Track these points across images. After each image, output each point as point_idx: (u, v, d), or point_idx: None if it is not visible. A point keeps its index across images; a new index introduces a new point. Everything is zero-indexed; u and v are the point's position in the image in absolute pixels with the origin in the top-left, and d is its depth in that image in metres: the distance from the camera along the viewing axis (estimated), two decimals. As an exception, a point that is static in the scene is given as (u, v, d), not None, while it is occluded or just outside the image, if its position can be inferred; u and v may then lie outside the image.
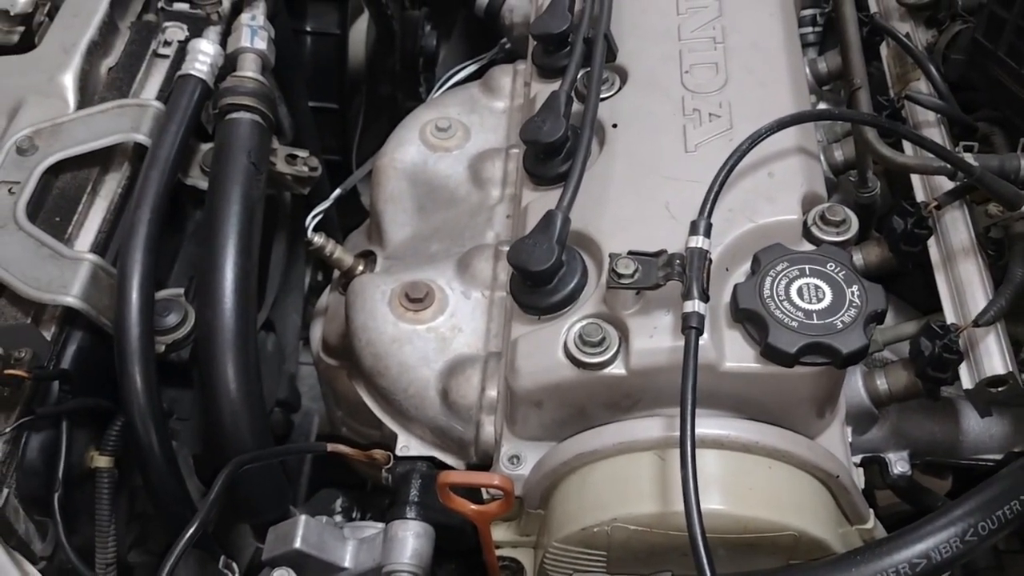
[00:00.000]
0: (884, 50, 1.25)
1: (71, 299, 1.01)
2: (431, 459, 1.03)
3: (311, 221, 1.28)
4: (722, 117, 0.96)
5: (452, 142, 1.28)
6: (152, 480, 1.00)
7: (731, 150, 0.89)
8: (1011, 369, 0.93)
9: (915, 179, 1.08)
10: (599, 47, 1.02)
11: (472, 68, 1.49)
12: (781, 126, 0.88)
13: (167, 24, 1.29)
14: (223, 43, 1.23)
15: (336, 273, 1.29)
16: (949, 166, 0.99)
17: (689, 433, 0.73)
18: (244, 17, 1.24)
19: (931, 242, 1.05)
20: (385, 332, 1.09)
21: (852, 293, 0.82)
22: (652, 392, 0.85)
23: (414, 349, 1.08)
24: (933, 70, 1.14)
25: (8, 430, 0.93)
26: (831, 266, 0.84)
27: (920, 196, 1.08)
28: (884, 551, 0.74)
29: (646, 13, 1.07)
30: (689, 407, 0.74)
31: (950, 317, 0.98)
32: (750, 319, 0.82)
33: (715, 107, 0.97)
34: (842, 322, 0.80)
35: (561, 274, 0.89)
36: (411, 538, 0.93)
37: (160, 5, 1.32)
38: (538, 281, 0.89)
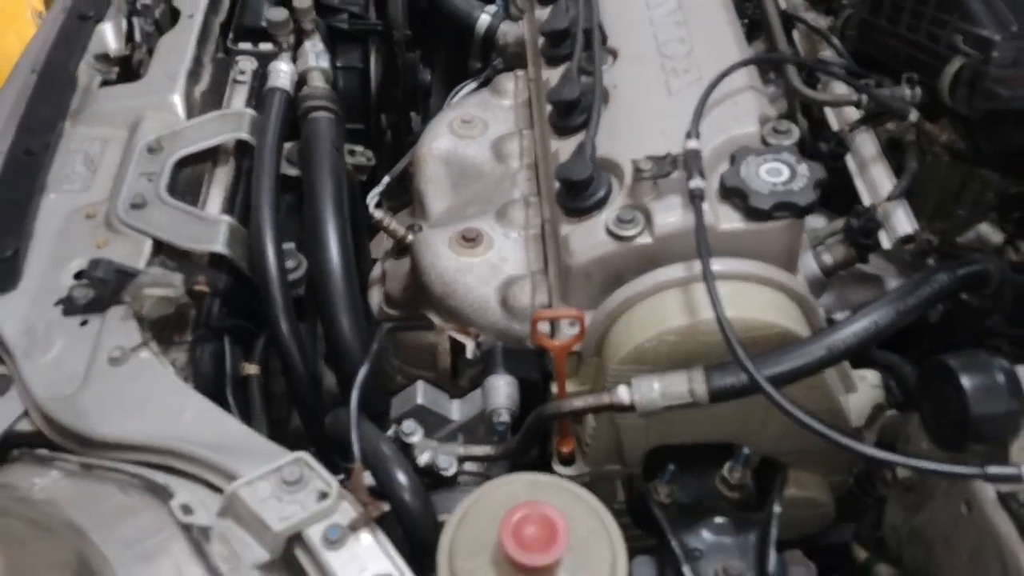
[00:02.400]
0: (796, 35, 1.66)
1: (218, 247, 1.32)
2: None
3: (372, 200, 1.62)
4: (691, 71, 1.34)
5: (475, 131, 1.63)
6: (294, 382, 1.30)
7: (700, 90, 1.27)
8: (916, 229, 1.31)
9: (828, 114, 1.48)
10: (596, 34, 1.40)
11: (472, 85, 1.87)
12: (737, 67, 1.27)
13: (239, 58, 1.64)
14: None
15: (390, 243, 1.62)
16: (856, 97, 1.38)
17: (707, 263, 1.08)
18: (307, 45, 1.60)
19: (848, 158, 1.44)
20: (449, 265, 1.42)
21: (802, 169, 1.18)
22: (670, 254, 1.19)
23: (474, 275, 1.41)
24: (836, 40, 1.55)
25: (190, 340, 1.23)
26: (785, 155, 1.20)
27: (834, 126, 1.48)
28: (845, 325, 1.09)
29: (624, 10, 1.45)
30: (704, 247, 1.10)
31: (868, 203, 1.36)
32: (735, 193, 1.18)
33: (686, 65, 1.35)
34: (798, 187, 1.17)
35: (595, 183, 1.24)
36: (503, 386, 1.25)
37: (228, 45, 1.67)
38: (580, 188, 1.24)
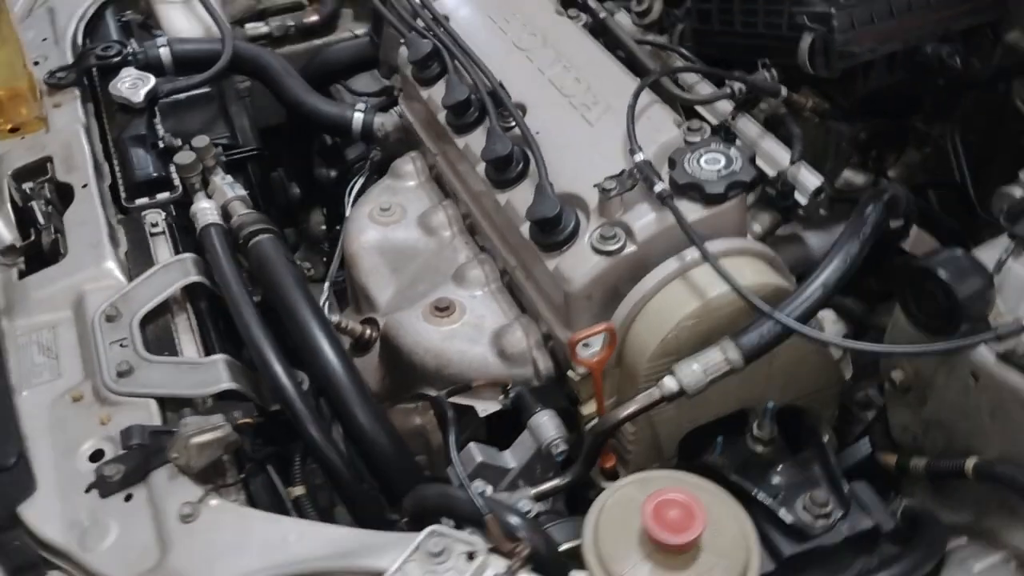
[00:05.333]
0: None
1: (226, 384, 1.31)
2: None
3: (323, 302, 1.65)
4: (598, 102, 1.50)
5: (396, 215, 1.71)
6: (342, 483, 1.30)
7: (615, 116, 1.43)
8: (823, 181, 1.51)
9: (703, 111, 1.67)
10: (503, 93, 1.52)
11: (361, 181, 1.94)
12: (645, 84, 1.44)
13: (144, 213, 1.63)
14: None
15: (348, 343, 1.65)
16: (730, 91, 1.58)
17: (703, 247, 1.22)
18: (218, 180, 1.62)
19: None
20: (435, 337, 1.49)
21: (733, 153, 1.35)
22: (654, 254, 1.32)
23: (461, 339, 1.48)
24: (684, 51, 1.76)
25: (241, 475, 1.21)
26: (713, 145, 1.37)
27: (713, 121, 1.68)
28: (827, 264, 1.26)
29: (513, 70, 1.59)
30: (695, 235, 1.24)
31: (774, 171, 1.56)
32: (690, 188, 1.33)
33: (591, 99, 1.50)
34: (738, 167, 1.33)
35: (564, 216, 1.36)
36: (548, 419, 1.33)
37: (124, 204, 1.66)
38: (553, 224, 1.35)
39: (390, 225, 1.70)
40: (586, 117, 1.48)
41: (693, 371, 1.22)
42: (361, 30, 2.53)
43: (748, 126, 1.61)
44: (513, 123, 1.51)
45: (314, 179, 2.29)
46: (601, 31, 1.75)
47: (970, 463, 1.24)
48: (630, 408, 1.24)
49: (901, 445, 1.41)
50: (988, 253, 1.28)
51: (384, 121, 1.89)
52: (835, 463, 1.25)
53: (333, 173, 2.37)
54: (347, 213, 1.87)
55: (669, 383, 1.23)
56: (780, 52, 1.58)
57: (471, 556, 1.01)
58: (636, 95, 1.43)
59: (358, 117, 1.89)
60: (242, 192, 1.60)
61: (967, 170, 1.70)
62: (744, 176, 1.33)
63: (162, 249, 1.56)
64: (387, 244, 1.69)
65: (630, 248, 1.32)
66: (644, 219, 1.32)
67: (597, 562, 1.03)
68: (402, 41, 1.79)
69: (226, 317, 1.46)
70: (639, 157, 1.34)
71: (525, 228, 1.41)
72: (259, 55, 1.98)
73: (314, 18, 2.50)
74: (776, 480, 1.26)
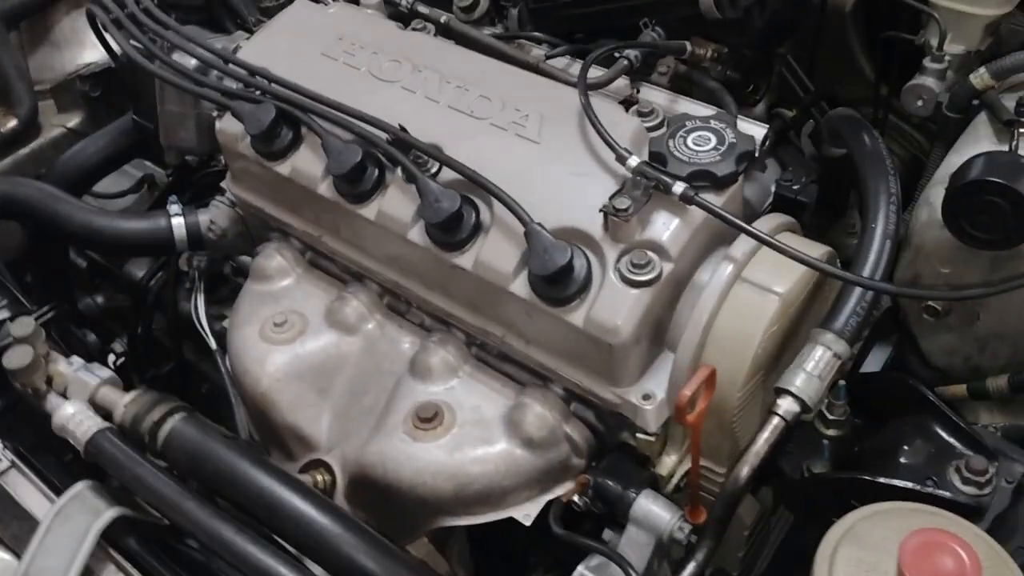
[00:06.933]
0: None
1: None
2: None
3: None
4: (528, 114, 1.23)
5: (297, 325, 1.36)
6: None
7: (558, 124, 1.19)
8: (768, 128, 1.37)
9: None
10: (411, 139, 1.22)
11: (201, 301, 1.54)
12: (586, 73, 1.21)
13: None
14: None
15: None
16: (627, 62, 1.39)
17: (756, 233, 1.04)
18: (63, 369, 1.17)
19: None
20: (439, 457, 1.18)
21: (717, 125, 1.17)
22: (689, 265, 1.12)
23: (471, 444, 1.19)
24: (542, 36, 1.54)
25: None
26: (689, 122, 1.17)
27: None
28: (876, 215, 1.13)
29: (402, 113, 1.26)
30: (741, 224, 1.05)
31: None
32: (698, 176, 1.11)
33: (515, 113, 1.24)
34: (733, 138, 1.15)
35: (574, 259, 1.10)
36: (652, 504, 1.08)
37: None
38: (565, 273, 1.09)
39: (295, 341, 1.34)
40: (523, 136, 1.22)
41: (810, 382, 1.03)
42: (73, 122, 2.08)
43: (655, 95, 1.43)
44: (436, 169, 1.22)
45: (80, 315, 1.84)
46: (449, 37, 1.48)
47: (1066, 364, 1.18)
48: (757, 448, 1.03)
49: (948, 371, 1.33)
50: (973, 147, 1.22)
51: (214, 218, 1.49)
52: (962, 420, 1.13)
53: (100, 299, 1.96)
54: (212, 345, 1.47)
55: (790, 405, 1.04)
56: (652, 10, 1.42)
57: None
58: (584, 91, 1.19)
59: (178, 223, 1.47)
60: (106, 372, 1.17)
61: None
62: (745, 146, 1.15)
63: (27, 491, 1.10)
64: (302, 365, 1.32)
65: (667, 268, 1.09)
66: (671, 230, 1.10)
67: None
68: (215, 114, 1.41)
69: (169, 549, 1.05)
70: (633, 161, 1.11)
71: (519, 286, 1.14)
72: (8, 190, 1.49)
73: (12, 123, 2.00)
74: (907, 460, 1.12)
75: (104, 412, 1.13)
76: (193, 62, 1.47)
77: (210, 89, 1.38)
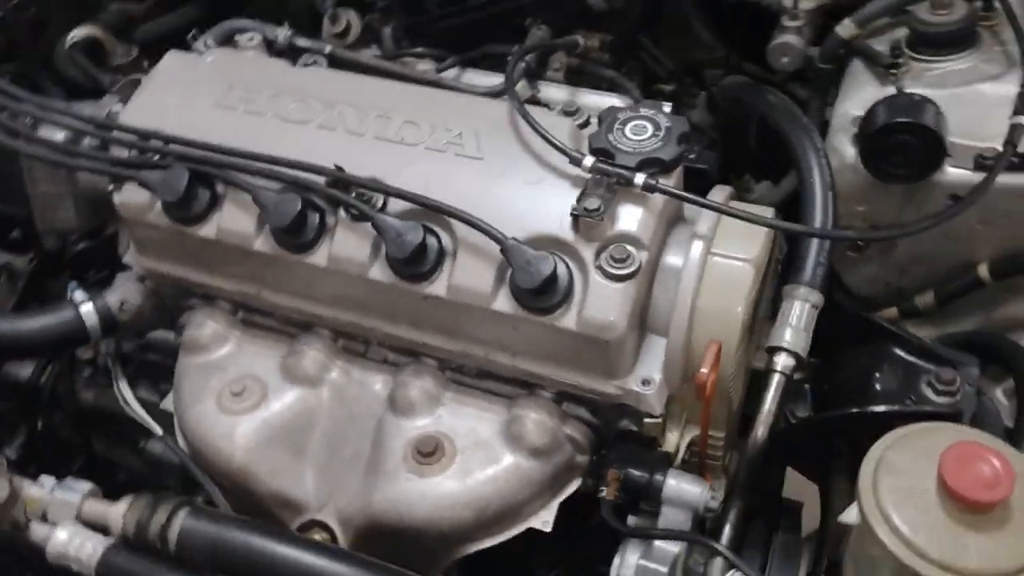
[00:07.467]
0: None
1: None
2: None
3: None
4: (460, 132, 1.22)
5: (256, 390, 1.29)
6: None
7: (496, 137, 1.20)
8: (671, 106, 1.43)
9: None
10: (351, 177, 1.19)
11: (125, 387, 1.44)
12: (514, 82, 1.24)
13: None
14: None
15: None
16: (524, 64, 1.42)
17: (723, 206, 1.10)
18: (38, 493, 1.05)
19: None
20: (452, 489, 1.18)
21: (646, 111, 1.21)
22: (657, 251, 1.16)
23: (478, 468, 1.19)
24: (423, 50, 1.53)
25: None
26: (621, 114, 1.21)
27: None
28: (810, 178, 1.22)
29: (313, 149, 1.23)
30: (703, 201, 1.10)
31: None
32: (647, 164, 1.15)
33: (448, 134, 1.23)
34: (668, 123, 1.19)
35: (557, 266, 1.12)
36: (681, 482, 1.12)
37: None
38: (551, 282, 1.10)
39: (259, 406, 1.27)
40: (464, 154, 1.21)
41: (798, 335, 1.11)
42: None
43: (554, 91, 1.47)
44: (381, 204, 1.19)
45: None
46: (339, 68, 1.45)
47: (982, 269, 1.31)
48: (768, 407, 1.09)
49: (872, 298, 1.45)
50: (858, 92, 1.34)
51: (123, 297, 1.38)
52: (915, 337, 1.24)
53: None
54: (156, 431, 1.38)
55: (785, 361, 1.11)
56: (549, 4, 1.45)
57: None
58: (519, 100, 1.20)
59: (87, 310, 1.35)
60: (84, 484, 1.07)
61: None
62: (681, 127, 1.19)
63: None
64: (272, 430, 1.26)
65: (643, 257, 1.13)
66: (640, 220, 1.13)
67: (881, 520, 0.89)
68: (111, 188, 1.31)
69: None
70: (588, 161, 1.13)
71: (501, 303, 1.14)
72: None
73: None
74: (882, 387, 1.22)
75: (97, 527, 1.03)
76: (61, 135, 1.36)
77: (102, 162, 1.27)
